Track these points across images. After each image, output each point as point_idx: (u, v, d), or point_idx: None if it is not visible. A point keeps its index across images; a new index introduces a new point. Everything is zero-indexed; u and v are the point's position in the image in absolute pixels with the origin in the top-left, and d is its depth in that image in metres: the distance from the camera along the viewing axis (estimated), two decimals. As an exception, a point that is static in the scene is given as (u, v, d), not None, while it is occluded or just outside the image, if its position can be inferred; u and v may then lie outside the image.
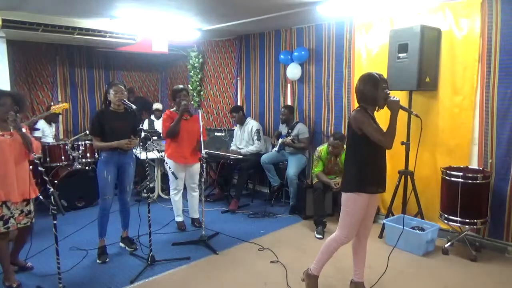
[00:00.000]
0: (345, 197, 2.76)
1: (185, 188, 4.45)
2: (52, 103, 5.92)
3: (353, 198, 2.71)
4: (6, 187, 2.91)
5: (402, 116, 4.13)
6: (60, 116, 6.33)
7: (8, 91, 3.44)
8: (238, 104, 6.26)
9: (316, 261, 2.92)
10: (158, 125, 6.39)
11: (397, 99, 2.62)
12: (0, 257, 3.05)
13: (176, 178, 3.97)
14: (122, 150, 3.57)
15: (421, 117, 4.08)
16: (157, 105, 6.74)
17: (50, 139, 5.43)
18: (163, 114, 4.44)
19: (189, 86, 6.96)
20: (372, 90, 2.64)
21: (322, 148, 4.48)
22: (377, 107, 2.72)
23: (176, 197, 4.37)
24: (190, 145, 4.27)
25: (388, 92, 2.65)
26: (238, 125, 5.58)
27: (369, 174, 2.70)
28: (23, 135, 2.96)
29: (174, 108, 4.29)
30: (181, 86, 4.35)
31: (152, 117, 6.64)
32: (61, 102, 6.23)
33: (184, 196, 4.46)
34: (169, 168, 3.93)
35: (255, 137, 5.34)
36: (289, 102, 5.64)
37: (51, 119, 5.49)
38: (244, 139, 5.47)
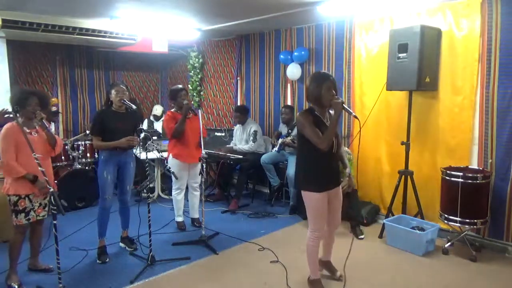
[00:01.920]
0: (302, 194, 2.84)
1: (186, 188, 4.45)
2: None
3: (304, 195, 2.80)
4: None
5: (402, 116, 4.20)
6: (60, 116, 6.33)
7: (34, 90, 3.59)
8: (238, 104, 6.26)
9: (309, 266, 2.96)
10: (158, 125, 6.39)
11: (340, 100, 2.61)
12: (12, 253, 3.06)
13: (177, 178, 3.98)
14: (122, 149, 3.57)
15: (420, 117, 4.19)
16: (156, 110, 6.70)
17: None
18: (164, 115, 4.42)
19: (189, 86, 6.95)
20: (315, 89, 2.65)
21: None
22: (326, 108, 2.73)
23: (178, 196, 4.38)
24: (194, 143, 4.28)
25: (334, 93, 2.65)
26: (238, 124, 5.59)
27: (313, 173, 2.75)
28: (49, 133, 3.09)
29: (174, 108, 4.30)
30: (180, 86, 4.36)
31: (151, 117, 6.63)
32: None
33: (185, 196, 4.46)
34: (170, 168, 3.93)
35: (251, 138, 5.37)
36: (289, 102, 5.64)
37: (50, 118, 5.48)
38: (244, 139, 5.48)
